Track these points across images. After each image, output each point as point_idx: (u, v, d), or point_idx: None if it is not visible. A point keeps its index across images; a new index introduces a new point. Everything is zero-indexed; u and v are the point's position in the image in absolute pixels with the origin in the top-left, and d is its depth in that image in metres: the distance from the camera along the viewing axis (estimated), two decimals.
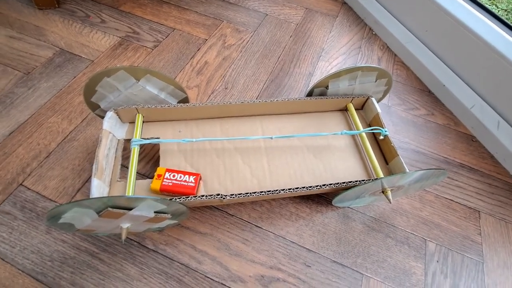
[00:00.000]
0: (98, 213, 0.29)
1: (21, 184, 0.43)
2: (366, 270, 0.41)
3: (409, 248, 0.44)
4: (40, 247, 0.39)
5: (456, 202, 0.49)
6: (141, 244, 0.40)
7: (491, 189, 0.51)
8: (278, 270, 0.40)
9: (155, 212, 0.32)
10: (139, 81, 0.40)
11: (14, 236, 0.39)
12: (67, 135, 0.48)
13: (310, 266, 0.41)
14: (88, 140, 0.48)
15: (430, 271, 0.42)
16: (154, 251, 0.40)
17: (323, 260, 0.41)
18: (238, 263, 0.40)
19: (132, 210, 0.30)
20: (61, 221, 0.29)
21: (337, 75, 0.44)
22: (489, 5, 1.01)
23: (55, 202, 0.42)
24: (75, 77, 0.56)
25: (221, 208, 0.44)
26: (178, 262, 0.39)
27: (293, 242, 0.42)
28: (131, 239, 0.40)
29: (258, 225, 0.43)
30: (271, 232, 0.43)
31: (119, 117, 0.42)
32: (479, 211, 0.48)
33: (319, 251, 0.42)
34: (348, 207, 0.46)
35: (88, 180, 0.44)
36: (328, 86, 0.46)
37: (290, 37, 0.71)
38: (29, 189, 0.43)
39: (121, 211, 0.29)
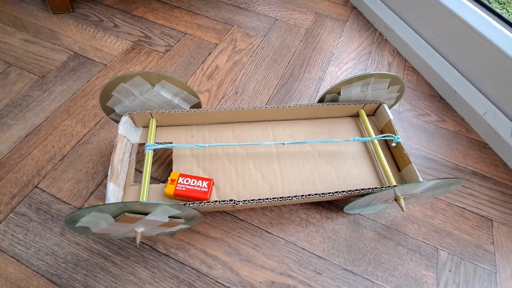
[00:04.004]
0: (114, 217, 0.29)
1: (36, 186, 0.44)
2: (377, 278, 0.41)
3: (421, 257, 0.43)
4: (54, 249, 0.39)
5: (469, 211, 0.48)
6: (153, 248, 0.40)
7: (504, 198, 0.50)
8: (288, 277, 0.40)
9: (169, 217, 0.32)
10: (154, 86, 0.40)
11: (29, 237, 0.40)
12: (81, 138, 0.49)
13: (320, 273, 0.41)
14: (101, 143, 0.49)
15: (442, 280, 0.42)
16: (165, 255, 0.40)
17: (334, 267, 0.41)
18: (248, 269, 0.40)
19: (148, 215, 0.30)
20: (78, 224, 0.30)
21: (349, 81, 0.44)
22: (500, 9, 1.00)
23: (69, 204, 0.43)
24: (88, 80, 0.57)
25: (231, 213, 0.44)
26: (189, 267, 0.39)
27: (304, 249, 0.42)
28: (143, 243, 0.41)
29: (269, 231, 0.43)
30: (281, 238, 0.43)
31: (133, 122, 0.43)
32: (491, 219, 0.48)
33: (329, 258, 0.42)
34: (359, 214, 0.46)
35: (101, 183, 0.45)
36: (340, 92, 0.46)
37: (300, 42, 0.71)
38: (44, 191, 0.44)
39: (138, 216, 0.29)
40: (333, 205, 0.47)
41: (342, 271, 0.41)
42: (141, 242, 0.41)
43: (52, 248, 0.39)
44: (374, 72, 0.44)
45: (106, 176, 0.46)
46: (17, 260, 0.38)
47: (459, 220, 0.47)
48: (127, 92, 0.40)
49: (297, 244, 0.43)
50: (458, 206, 0.49)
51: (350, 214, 0.46)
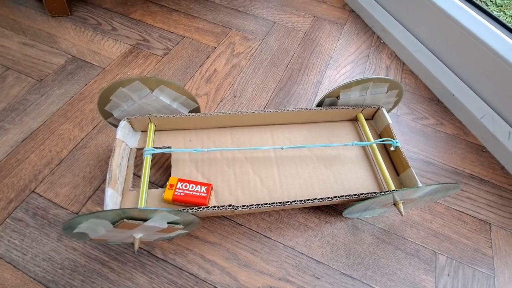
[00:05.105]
0: (113, 224, 0.29)
1: (33, 191, 0.44)
2: (376, 283, 0.41)
3: (419, 261, 0.43)
4: (51, 255, 0.39)
5: (467, 214, 0.48)
6: (151, 253, 0.40)
7: (502, 201, 0.50)
8: (287, 282, 0.40)
9: (168, 223, 0.32)
10: (153, 91, 0.40)
11: (26, 243, 0.39)
12: (79, 142, 0.49)
13: (319, 278, 0.41)
14: (99, 148, 0.49)
15: (440, 284, 0.42)
16: (163, 260, 0.40)
17: (332, 272, 0.41)
18: (246, 274, 0.40)
19: (147, 222, 0.30)
20: (75, 231, 0.30)
21: (348, 86, 0.44)
22: (497, 12, 1.00)
23: (67, 209, 0.42)
24: (86, 84, 0.57)
25: (230, 218, 0.44)
26: (187, 272, 0.39)
27: (302, 253, 0.42)
28: (141, 248, 0.40)
29: (267, 235, 0.43)
30: (280, 242, 0.43)
31: (131, 126, 0.43)
32: (490, 223, 0.48)
33: (328, 262, 0.42)
34: (357, 218, 0.46)
35: (99, 187, 0.45)
36: (339, 96, 0.46)
37: (298, 45, 0.71)
38: (41, 196, 0.43)
39: (136, 222, 0.29)
40: (332, 209, 0.46)
41: (341, 276, 0.41)
42: (139, 247, 0.40)
43: (49, 254, 0.39)
44: (373, 77, 0.44)
45: (104, 180, 0.45)
46: (13, 266, 0.38)
47: (457, 224, 0.47)
48: (126, 97, 0.40)
49: (296, 248, 0.43)
50: (457, 210, 0.49)
51: (348, 218, 0.46)
